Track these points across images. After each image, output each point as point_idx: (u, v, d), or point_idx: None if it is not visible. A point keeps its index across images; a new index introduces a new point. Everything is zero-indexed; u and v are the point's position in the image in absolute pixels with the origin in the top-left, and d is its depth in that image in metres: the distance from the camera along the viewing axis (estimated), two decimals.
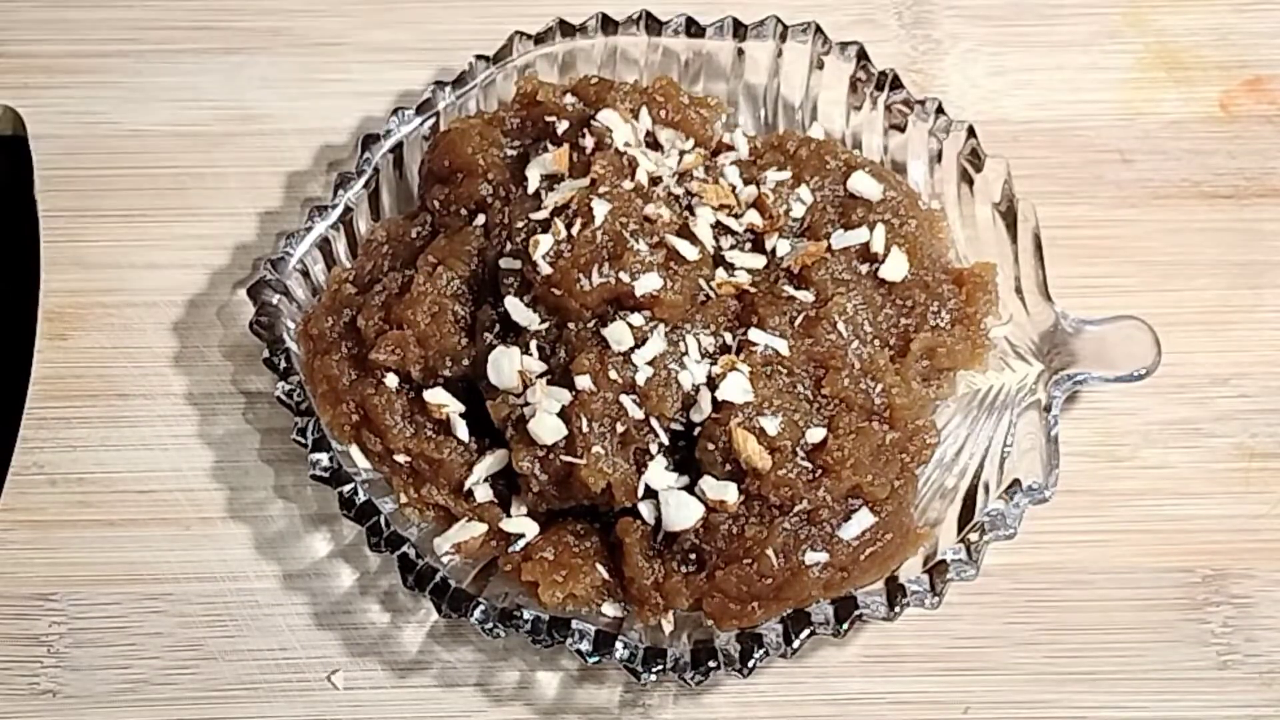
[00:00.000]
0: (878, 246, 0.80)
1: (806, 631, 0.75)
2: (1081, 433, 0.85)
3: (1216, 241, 0.89)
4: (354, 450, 0.80)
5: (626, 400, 0.76)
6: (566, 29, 0.87)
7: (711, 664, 0.75)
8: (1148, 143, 0.92)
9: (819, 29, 0.87)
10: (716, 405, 0.76)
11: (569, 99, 0.84)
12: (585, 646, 0.75)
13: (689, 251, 0.78)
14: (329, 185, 0.89)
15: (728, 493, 0.75)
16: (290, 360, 0.81)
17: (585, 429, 0.75)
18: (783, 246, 0.80)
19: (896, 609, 0.76)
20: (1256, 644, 0.82)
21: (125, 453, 0.85)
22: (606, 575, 0.77)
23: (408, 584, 0.76)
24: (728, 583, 0.75)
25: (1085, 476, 0.84)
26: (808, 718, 0.81)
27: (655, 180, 0.81)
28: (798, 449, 0.76)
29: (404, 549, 0.77)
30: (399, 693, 0.81)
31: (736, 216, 0.81)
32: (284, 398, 0.80)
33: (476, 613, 0.76)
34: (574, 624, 0.76)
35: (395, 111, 0.86)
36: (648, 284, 0.77)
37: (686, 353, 0.77)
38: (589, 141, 0.81)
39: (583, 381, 0.76)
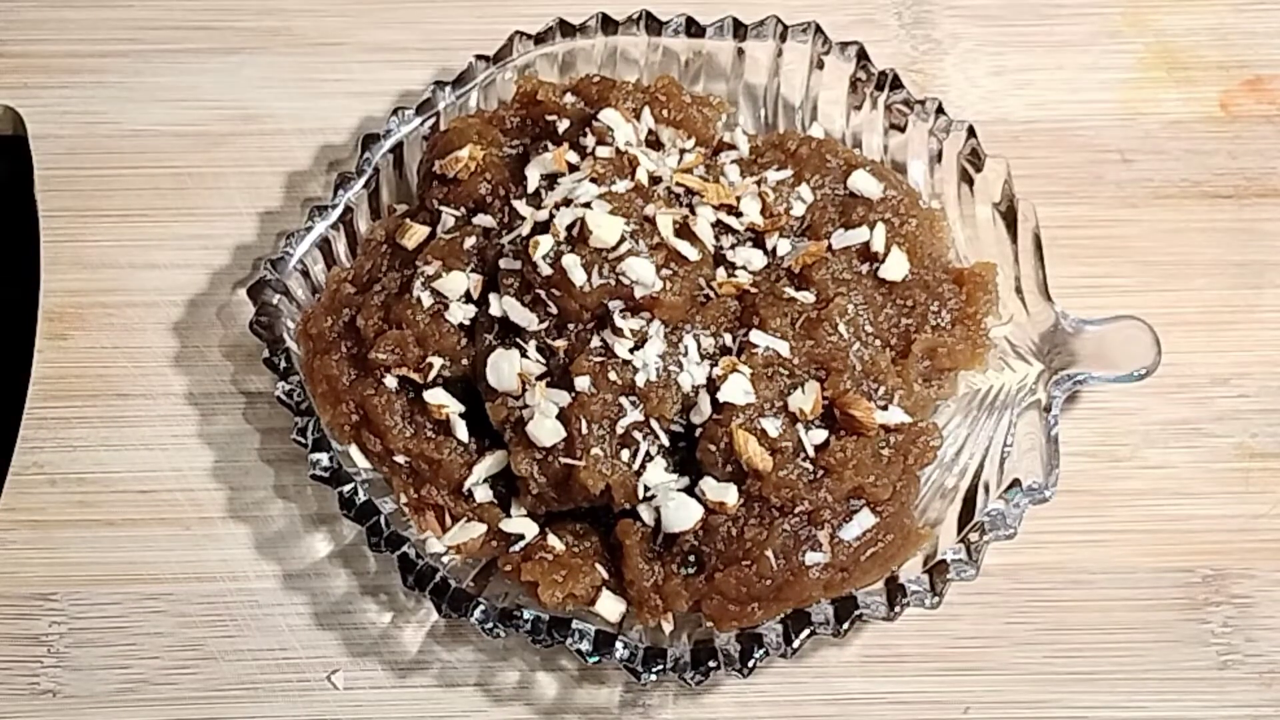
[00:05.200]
0: (878, 246, 0.80)
1: (806, 631, 0.75)
2: (1081, 433, 0.85)
3: (1216, 241, 0.89)
4: (354, 450, 0.80)
5: (626, 402, 0.76)
6: (566, 29, 0.87)
7: (711, 664, 0.75)
8: (1148, 143, 0.92)
9: (819, 29, 0.87)
10: (717, 406, 0.76)
11: (569, 98, 0.84)
12: (585, 646, 0.75)
13: (689, 252, 0.78)
14: (329, 185, 0.89)
15: (728, 494, 0.75)
16: (290, 360, 0.81)
17: (584, 430, 0.75)
18: (783, 246, 0.80)
19: (896, 609, 0.76)
20: (1256, 644, 0.82)
21: (125, 453, 0.85)
22: (606, 575, 0.77)
23: (408, 584, 0.76)
24: (727, 584, 0.74)
25: (1085, 476, 0.84)
26: (808, 718, 0.81)
27: (655, 180, 0.81)
28: (799, 450, 0.76)
29: (404, 549, 0.77)
30: (399, 693, 0.81)
31: (737, 215, 0.80)
32: (284, 398, 0.80)
33: (476, 613, 0.76)
34: (574, 624, 0.76)
35: (395, 111, 0.86)
36: (647, 285, 0.76)
37: (686, 354, 0.77)
38: (590, 141, 0.81)
39: (582, 383, 0.76)
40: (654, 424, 0.76)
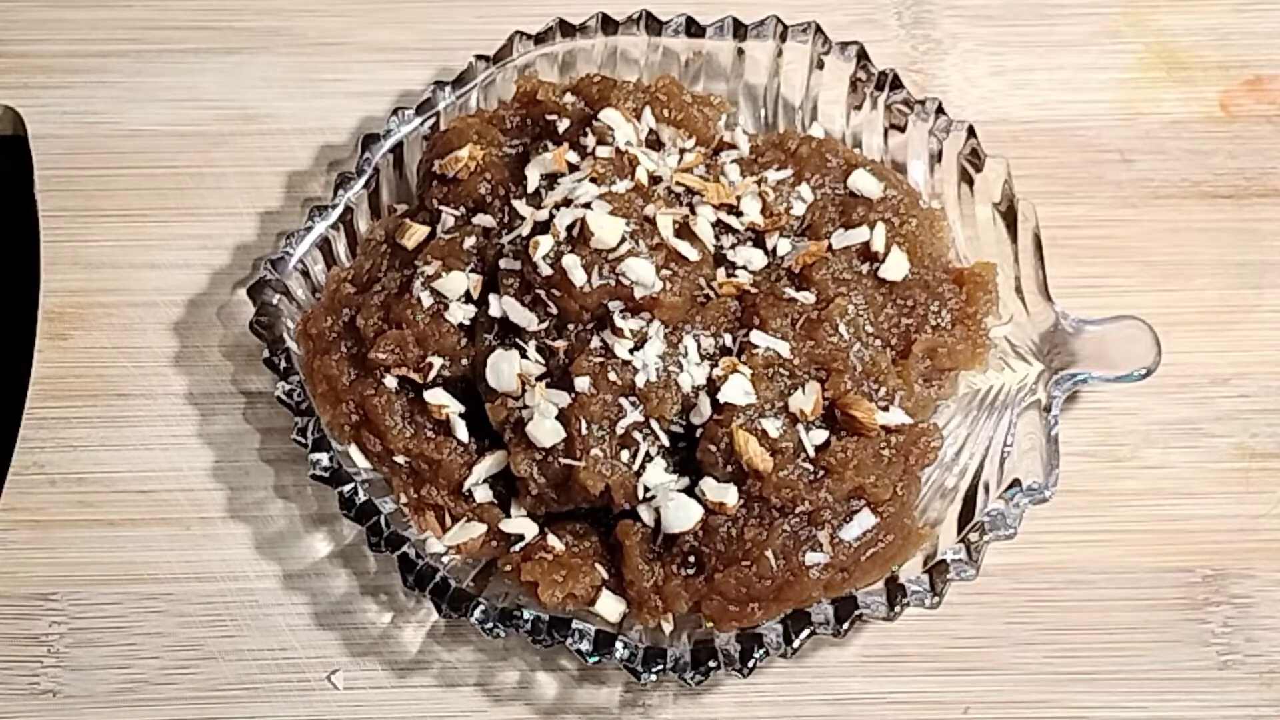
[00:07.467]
0: (878, 245, 0.80)
1: (806, 631, 0.75)
2: (1081, 433, 0.85)
3: (1216, 241, 0.89)
4: (354, 450, 0.80)
5: (626, 402, 0.76)
6: (566, 29, 0.87)
7: (711, 664, 0.75)
8: (1148, 143, 0.92)
9: (819, 29, 0.87)
10: (717, 407, 0.76)
11: (569, 98, 0.84)
12: (585, 646, 0.75)
13: (689, 252, 0.78)
14: (329, 185, 0.89)
15: (728, 495, 0.75)
16: (290, 360, 0.81)
17: (584, 431, 0.75)
18: (783, 246, 0.80)
19: (896, 609, 0.76)
20: (1256, 644, 0.82)
21: (125, 453, 0.85)
22: (606, 575, 0.77)
23: (408, 584, 0.76)
24: (726, 585, 0.74)
25: (1085, 476, 0.84)
26: (808, 718, 0.81)
27: (656, 179, 0.81)
28: (799, 451, 0.76)
29: (404, 549, 0.77)
30: (399, 693, 0.81)
31: (738, 215, 0.80)
32: (284, 398, 0.80)
33: (476, 613, 0.76)
34: (574, 624, 0.76)
35: (395, 111, 0.86)
36: (647, 285, 0.76)
37: (686, 354, 0.77)
38: (590, 141, 0.81)
39: (582, 383, 0.76)
40: (654, 424, 0.76)
